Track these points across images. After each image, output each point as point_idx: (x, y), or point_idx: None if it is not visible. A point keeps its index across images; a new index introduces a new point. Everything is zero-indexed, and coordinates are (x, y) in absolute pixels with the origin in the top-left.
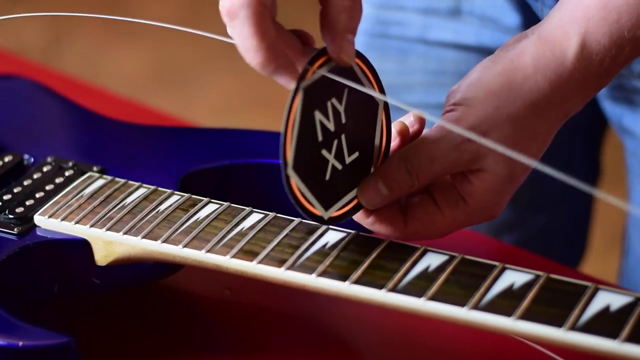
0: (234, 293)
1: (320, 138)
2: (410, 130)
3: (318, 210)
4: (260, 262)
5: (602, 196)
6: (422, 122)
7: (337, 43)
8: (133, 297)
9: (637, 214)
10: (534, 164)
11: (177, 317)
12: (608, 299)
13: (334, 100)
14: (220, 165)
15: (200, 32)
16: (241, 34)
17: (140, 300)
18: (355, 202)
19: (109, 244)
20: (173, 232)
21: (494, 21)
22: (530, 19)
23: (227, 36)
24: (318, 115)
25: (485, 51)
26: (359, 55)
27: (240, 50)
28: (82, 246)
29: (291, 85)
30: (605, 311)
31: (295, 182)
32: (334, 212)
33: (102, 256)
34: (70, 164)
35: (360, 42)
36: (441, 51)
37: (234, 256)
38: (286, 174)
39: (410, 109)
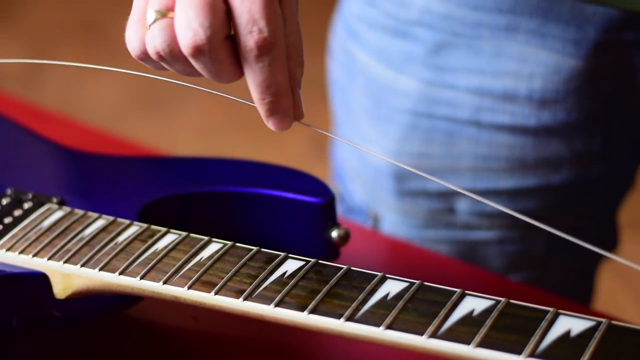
0: (199, 322)
1: None
2: None
3: None
4: (217, 293)
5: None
6: None
7: (298, 101)
8: (97, 329)
9: None
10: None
11: (142, 347)
12: (569, 324)
13: None
14: (180, 194)
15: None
16: (215, 66)
17: (104, 331)
18: None
19: (67, 277)
20: (131, 264)
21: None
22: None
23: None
24: None
25: (547, 131)
26: None
27: (214, 79)
28: (41, 279)
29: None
30: (565, 336)
31: None
32: None
33: (60, 289)
34: (30, 195)
35: (404, 122)
36: (494, 135)
37: (191, 287)
38: None
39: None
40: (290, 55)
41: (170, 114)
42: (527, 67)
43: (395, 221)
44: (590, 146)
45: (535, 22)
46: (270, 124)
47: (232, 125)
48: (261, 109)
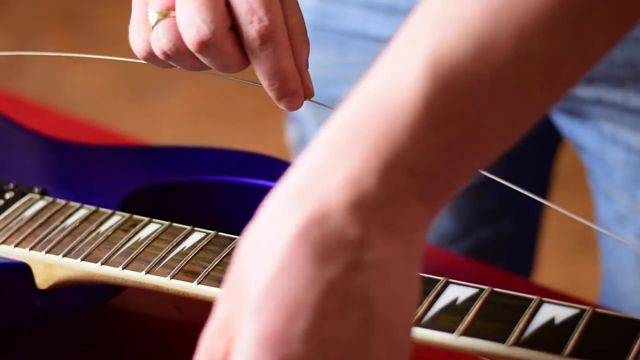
0: (183, 311)
1: None
2: None
3: None
4: (200, 283)
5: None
6: None
7: (306, 80)
8: (78, 319)
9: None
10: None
11: (124, 337)
12: (553, 312)
13: None
14: (162, 184)
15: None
16: (222, 58)
17: (86, 322)
18: None
19: (49, 267)
20: (113, 254)
21: None
22: None
23: None
24: None
25: None
26: None
27: (222, 70)
28: (23, 270)
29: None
30: (549, 324)
31: None
32: None
33: (42, 280)
34: (11, 185)
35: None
36: (379, 46)
37: (174, 277)
38: None
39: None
40: (294, 36)
41: (153, 104)
42: None
43: None
44: None
45: None
46: (281, 105)
47: (215, 115)
48: (271, 94)
